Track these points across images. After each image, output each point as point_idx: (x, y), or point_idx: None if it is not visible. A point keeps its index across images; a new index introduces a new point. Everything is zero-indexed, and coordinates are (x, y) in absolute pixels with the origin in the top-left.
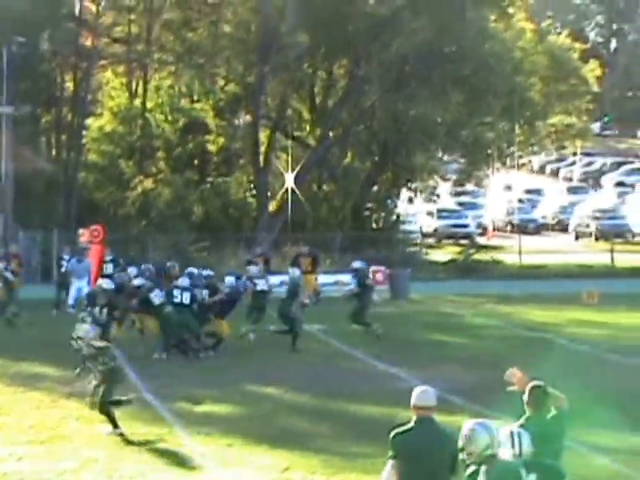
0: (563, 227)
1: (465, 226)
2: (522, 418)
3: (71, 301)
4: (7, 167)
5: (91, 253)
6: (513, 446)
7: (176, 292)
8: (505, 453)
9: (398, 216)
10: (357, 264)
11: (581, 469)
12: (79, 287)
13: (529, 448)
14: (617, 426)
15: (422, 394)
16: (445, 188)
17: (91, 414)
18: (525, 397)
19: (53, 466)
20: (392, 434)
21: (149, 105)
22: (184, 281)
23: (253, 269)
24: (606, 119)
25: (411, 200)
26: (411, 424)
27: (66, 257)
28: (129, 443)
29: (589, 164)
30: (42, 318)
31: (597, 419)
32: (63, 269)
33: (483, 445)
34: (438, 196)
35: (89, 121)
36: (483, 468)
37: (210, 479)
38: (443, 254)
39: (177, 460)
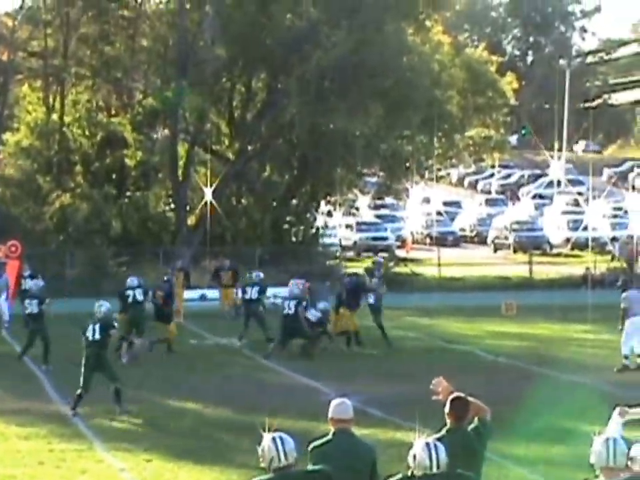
0: (481, 239)
1: (384, 239)
2: (442, 429)
3: None
4: None
5: (8, 268)
6: (429, 458)
7: (27, 302)
8: (419, 466)
9: (317, 229)
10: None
11: None
12: None
13: (445, 460)
14: (535, 437)
15: (339, 406)
16: (364, 201)
17: (8, 430)
18: (446, 408)
19: None
20: (310, 446)
21: (66, 119)
22: (33, 285)
23: None
24: (523, 131)
25: (330, 213)
26: (329, 436)
27: (3, 273)
28: (48, 459)
29: (507, 176)
30: None
31: (515, 430)
32: None
33: (268, 457)
34: (357, 209)
35: (6, 136)
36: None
37: None
38: (363, 267)
39: (97, 476)
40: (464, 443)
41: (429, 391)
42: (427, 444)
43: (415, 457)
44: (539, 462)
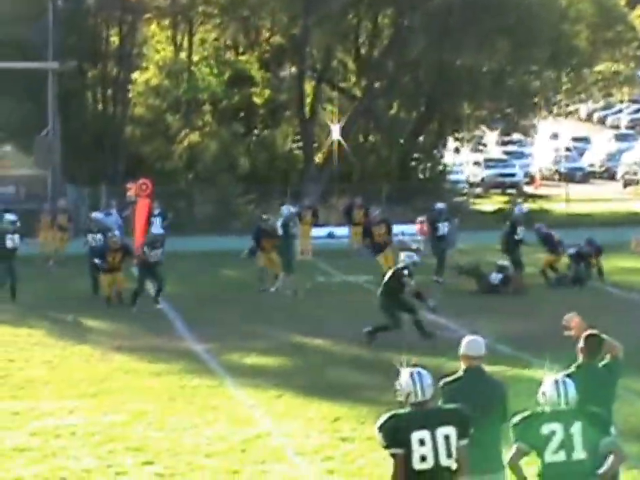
0: (610, 175)
1: (512, 175)
2: (573, 365)
3: None
4: (54, 122)
5: (138, 206)
6: (558, 395)
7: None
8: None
9: (445, 166)
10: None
11: (630, 417)
12: None
13: (575, 396)
14: None
15: (471, 343)
16: (491, 137)
17: (140, 367)
18: (579, 344)
19: (103, 419)
20: (441, 383)
21: (194, 58)
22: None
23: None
24: None
25: (457, 150)
26: (460, 373)
27: (113, 211)
28: (179, 395)
29: (637, 111)
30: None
31: None
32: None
33: (406, 392)
34: (485, 145)
35: (135, 75)
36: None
37: (260, 431)
38: (490, 204)
39: (227, 412)
40: (595, 379)
41: (559, 328)
42: (557, 380)
43: (544, 393)
44: None
